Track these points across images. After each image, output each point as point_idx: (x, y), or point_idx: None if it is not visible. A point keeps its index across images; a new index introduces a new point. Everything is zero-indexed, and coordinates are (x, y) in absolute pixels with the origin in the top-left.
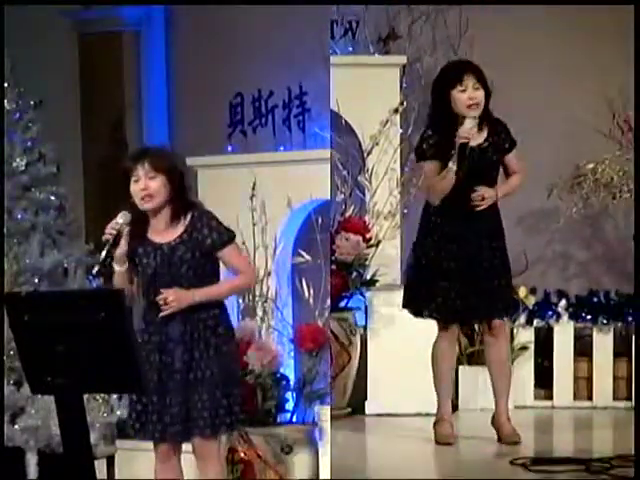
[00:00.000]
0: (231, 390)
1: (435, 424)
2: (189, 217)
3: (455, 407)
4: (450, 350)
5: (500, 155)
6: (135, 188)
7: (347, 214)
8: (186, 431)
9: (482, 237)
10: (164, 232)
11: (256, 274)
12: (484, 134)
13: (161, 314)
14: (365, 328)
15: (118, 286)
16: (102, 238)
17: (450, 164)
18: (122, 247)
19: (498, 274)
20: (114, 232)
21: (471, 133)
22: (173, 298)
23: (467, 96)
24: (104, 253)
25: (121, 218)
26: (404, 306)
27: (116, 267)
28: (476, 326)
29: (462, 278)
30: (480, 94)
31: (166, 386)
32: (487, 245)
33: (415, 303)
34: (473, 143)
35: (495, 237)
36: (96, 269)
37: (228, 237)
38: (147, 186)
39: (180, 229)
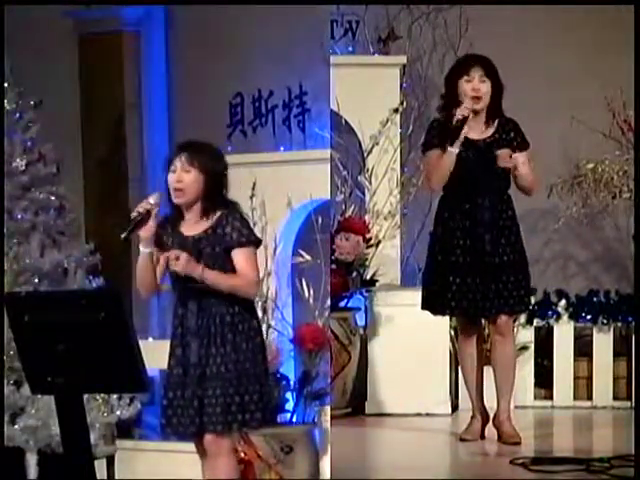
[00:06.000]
0: (247, 388)
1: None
2: (218, 214)
3: (455, 407)
4: (469, 351)
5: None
6: (170, 179)
7: (347, 214)
8: (199, 426)
9: (488, 230)
10: (194, 226)
11: (259, 287)
12: (491, 129)
13: (171, 268)
14: (365, 328)
15: (140, 269)
16: (130, 215)
17: (449, 148)
18: (150, 228)
19: (508, 269)
20: (142, 210)
21: (468, 111)
22: (182, 258)
23: (472, 87)
24: (129, 229)
25: (153, 199)
26: (422, 307)
27: (141, 248)
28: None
29: (468, 273)
30: (484, 87)
31: (185, 380)
32: (494, 239)
33: (429, 302)
34: (479, 137)
35: (505, 230)
36: (123, 235)
37: (247, 239)
38: (181, 178)
39: (208, 224)
